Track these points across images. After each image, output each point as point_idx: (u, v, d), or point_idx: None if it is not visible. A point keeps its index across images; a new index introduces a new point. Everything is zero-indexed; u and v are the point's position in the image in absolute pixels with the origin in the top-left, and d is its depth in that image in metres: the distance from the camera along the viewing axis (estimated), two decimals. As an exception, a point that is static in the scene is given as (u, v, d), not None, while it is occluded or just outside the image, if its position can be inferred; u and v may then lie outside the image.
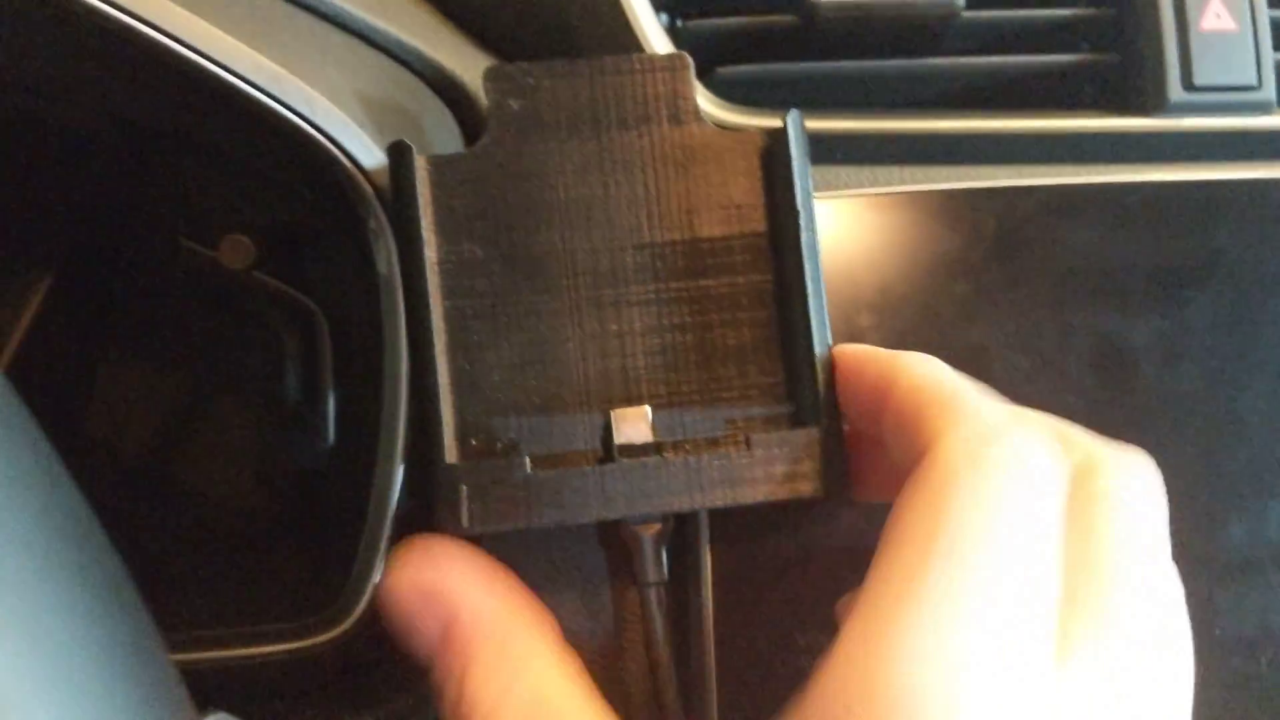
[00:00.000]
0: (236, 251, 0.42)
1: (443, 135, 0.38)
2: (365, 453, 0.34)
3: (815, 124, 0.40)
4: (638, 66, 0.34)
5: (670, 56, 0.35)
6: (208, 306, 0.45)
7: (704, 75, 0.41)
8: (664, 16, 0.41)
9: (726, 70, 0.41)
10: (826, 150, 0.40)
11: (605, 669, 0.36)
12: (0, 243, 0.43)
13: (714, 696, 0.35)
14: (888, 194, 0.38)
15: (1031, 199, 0.38)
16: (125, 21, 0.30)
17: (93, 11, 0.30)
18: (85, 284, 0.44)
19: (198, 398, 0.45)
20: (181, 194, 0.43)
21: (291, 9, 0.37)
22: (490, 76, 0.34)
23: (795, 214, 0.33)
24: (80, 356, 0.46)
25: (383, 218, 0.33)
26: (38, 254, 0.43)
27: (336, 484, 0.43)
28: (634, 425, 0.33)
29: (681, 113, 0.34)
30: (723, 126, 0.37)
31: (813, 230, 0.33)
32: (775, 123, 0.34)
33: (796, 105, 0.35)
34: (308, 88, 0.32)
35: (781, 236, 0.34)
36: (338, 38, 0.38)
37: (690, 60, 0.35)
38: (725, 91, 0.41)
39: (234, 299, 0.44)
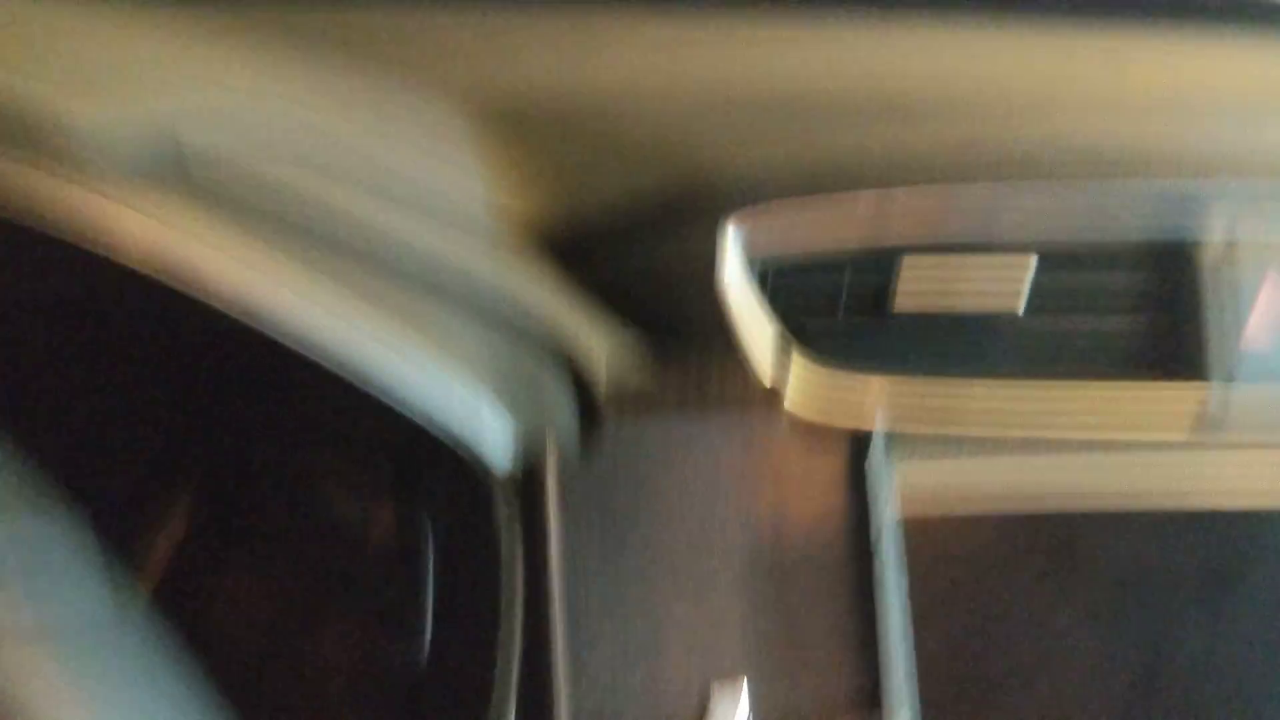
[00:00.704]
0: (362, 475, 0.47)
1: (559, 398, 0.43)
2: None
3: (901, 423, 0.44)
4: (732, 368, 0.39)
5: (759, 364, 0.39)
6: (321, 512, 0.50)
7: (797, 331, 0.45)
8: (763, 277, 0.45)
9: (816, 322, 0.45)
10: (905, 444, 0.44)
11: None
12: (147, 466, 0.49)
13: None
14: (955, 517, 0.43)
15: (1087, 518, 0.42)
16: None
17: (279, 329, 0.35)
18: (219, 499, 0.50)
19: (305, 600, 0.50)
20: (315, 421, 0.48)
21: (422, 293, 0.42)
22: (611, 372, 0.39)
23: (869, 530, 0.38)
24: (209, 561, 0.51)
25: (514, 506, 0.38)
26: (180, 472, 0.49)
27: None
28: (729, 701, 0.37)
29: (772, 413, 0.39)
30: (808, 423, 0.41)
31: (891, 527, 0.38)
32: (856, 392, 0.39)
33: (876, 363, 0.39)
34: (454, 385, 0.36)
35: (859, 545, 0.38)
36: (469, 317, 0.43)
37: (775, 367, 0.39)
38: (814, 343, 0.45)
39: (348, 507, 0.49)
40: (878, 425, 0.38)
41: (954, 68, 0.44)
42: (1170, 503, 0.43)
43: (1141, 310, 0.47)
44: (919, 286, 0.45)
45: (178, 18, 0.42)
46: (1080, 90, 0.44)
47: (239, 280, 0.34)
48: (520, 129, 0.49)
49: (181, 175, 0.35)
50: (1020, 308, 0.44)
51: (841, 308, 0.45)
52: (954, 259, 0.45)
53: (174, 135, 0.35)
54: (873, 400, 0.41)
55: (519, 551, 0.38)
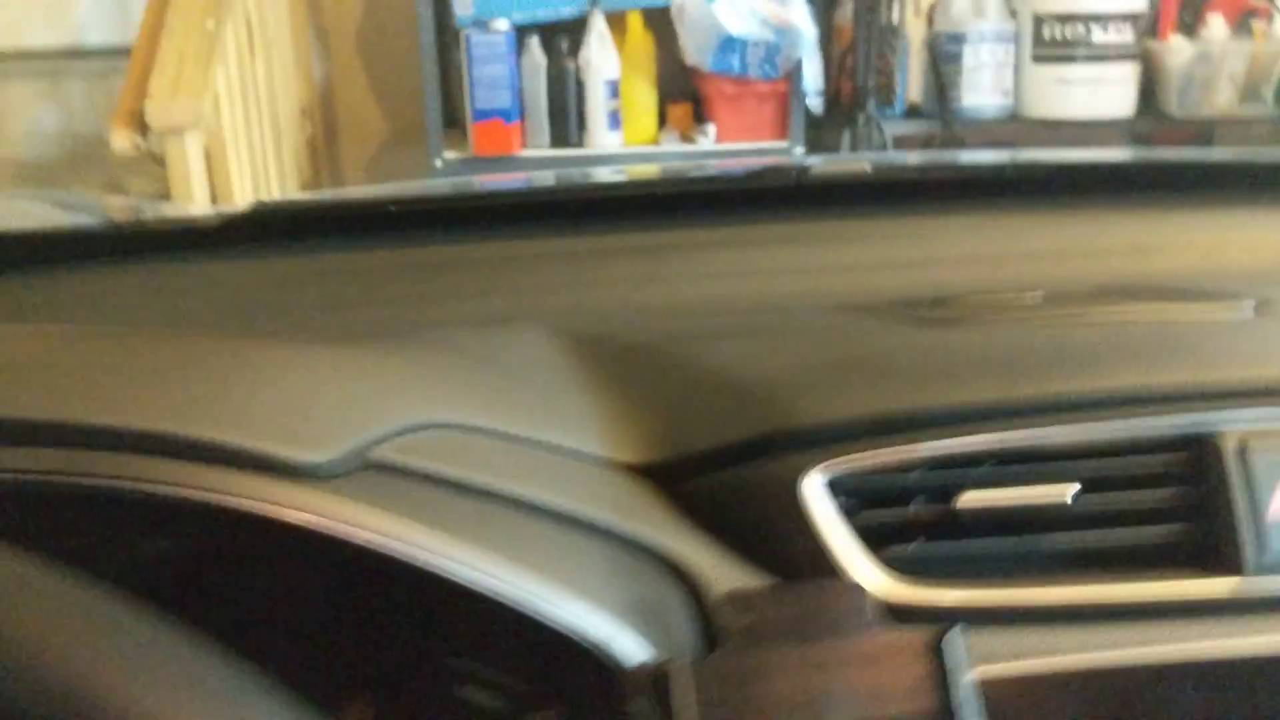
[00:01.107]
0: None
1: (675, 614, 0.51)
2: None
3: (960, 596, 0.52)
4: (828, 590, 0.47)
5: (853, 587, 0.48)
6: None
7: (878, 549, 0.53)
8: (843, 509, 0.54)
9: (894, 550, 0.53)
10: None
11: None
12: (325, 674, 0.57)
13: None
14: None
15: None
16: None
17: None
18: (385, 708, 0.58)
19: None
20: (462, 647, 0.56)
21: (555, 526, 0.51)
22: (726, 603, 0.47)
23: (958, 707, 0.45)
24: None
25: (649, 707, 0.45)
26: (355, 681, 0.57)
27: None
28: None
29: (863, 622, 0.47)
30: (892, 629, 0.49)
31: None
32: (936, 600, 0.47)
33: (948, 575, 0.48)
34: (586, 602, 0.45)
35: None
36: (594, 543, 0.52)
37: (863, 591, 0.47)
38: (893, 564, 0.53)
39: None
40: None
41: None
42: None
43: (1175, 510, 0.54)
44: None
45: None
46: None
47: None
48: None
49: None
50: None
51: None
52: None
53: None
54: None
55: None
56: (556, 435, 0.56)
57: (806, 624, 0.47)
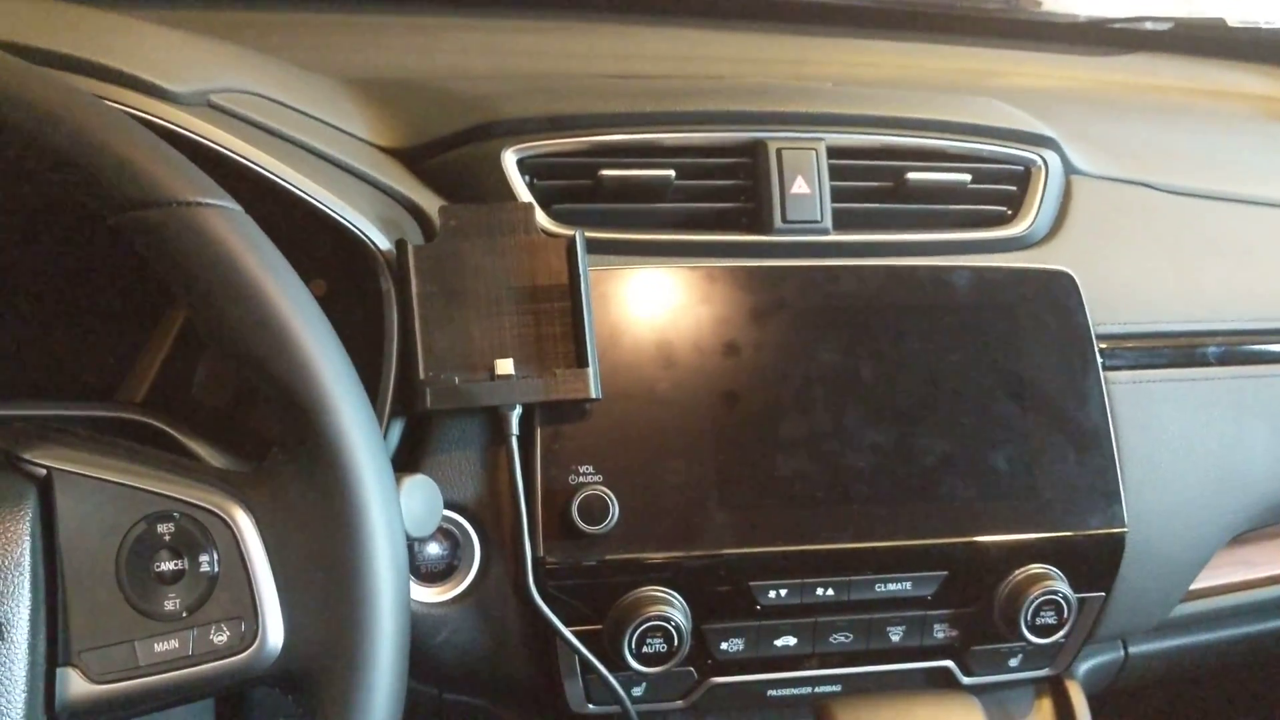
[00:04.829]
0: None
1: (410, 232, 0.78)
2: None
3: (600, 235, 0.81)
4: (509, 207, 0.76)
5: (525, 204, 0.76)
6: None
7: (545, 207, 0.82)
8: (526, 177, 0.82)
9: (559, 206, 0.82)
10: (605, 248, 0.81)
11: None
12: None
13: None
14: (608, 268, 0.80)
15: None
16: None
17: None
18: None
19: None
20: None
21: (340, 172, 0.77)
22: (442, 211, 0.75)
23: (579, 276, 0.74)
24: None
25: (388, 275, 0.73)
26: None
27: None
28: (504, 366, 0.73)
29: (530, 229, 0.76)
30: (548, 234, 0.78)
31: (586, 285, 0.74)
32: (571, 231, 0.76)
33: (596, 226, 0.77)
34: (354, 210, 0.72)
35: (573, 286, 0.75)
36: (363, 185, 0.78)
37: (533, 205, 0.76)
38: (559, 217, 0.82)
39: None
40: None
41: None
42: None
43: None
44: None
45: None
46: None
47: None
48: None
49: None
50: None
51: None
52: None
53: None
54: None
55: (392, 293, 0.73)
56: (334, 119, 0.82)
57: (493, 227, 0.76)
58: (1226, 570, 0.97)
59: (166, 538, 0.52)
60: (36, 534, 0.52)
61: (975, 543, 0.80)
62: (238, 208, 0.54)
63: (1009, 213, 0.90)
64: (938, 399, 0.81)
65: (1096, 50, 1.30)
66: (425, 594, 0.76)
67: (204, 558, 0.52)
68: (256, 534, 0.52)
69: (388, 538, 0.52)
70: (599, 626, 0.76)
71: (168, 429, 0.74)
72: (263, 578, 0.52)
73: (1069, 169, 0.94)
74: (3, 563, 0.50)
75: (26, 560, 0.51)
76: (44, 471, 0.53)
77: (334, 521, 0.52)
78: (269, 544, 0.52)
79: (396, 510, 0.54)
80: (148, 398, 0.82)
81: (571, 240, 0.76)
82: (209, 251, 0.52)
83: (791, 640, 0.80)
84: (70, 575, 0.52)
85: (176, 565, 0.52)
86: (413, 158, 0.84)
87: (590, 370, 0.74)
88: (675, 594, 0.76)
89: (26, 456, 0.53)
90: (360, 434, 0.53)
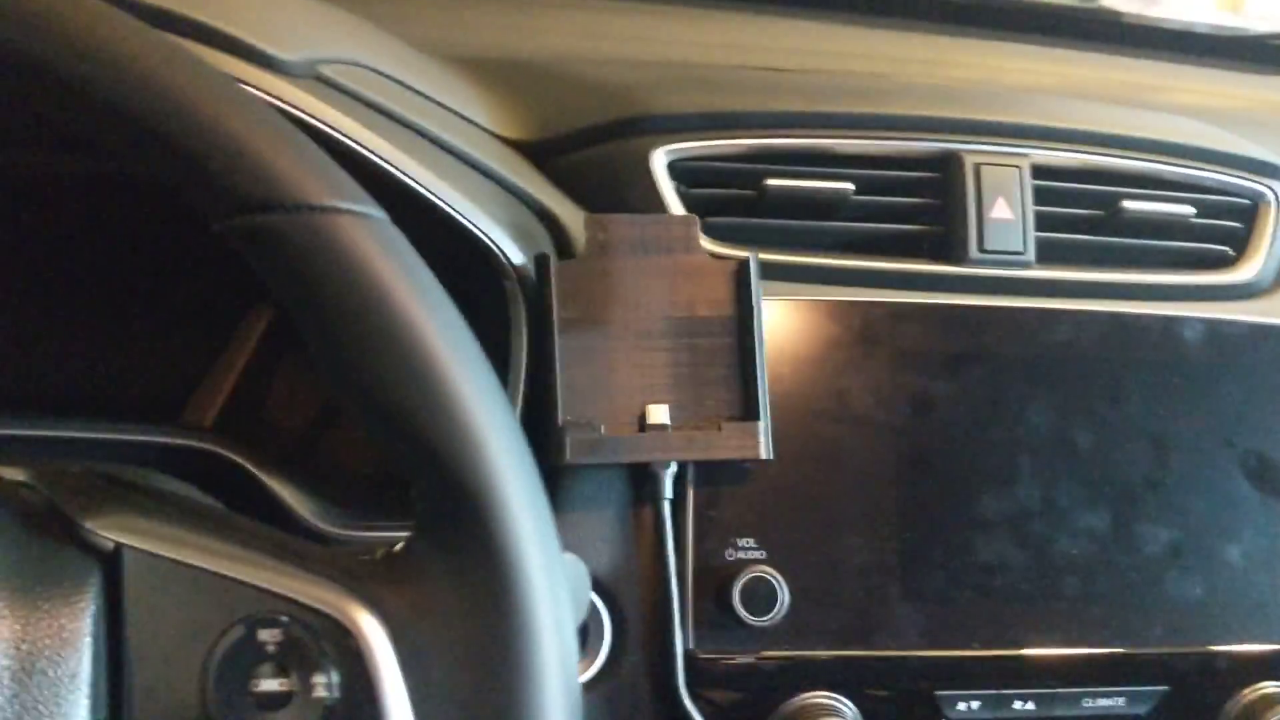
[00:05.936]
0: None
1: (543, 243, 0.65)
2: None
3: (765, 257, 0.67)
4: (666, 219, 0.62)
5: (685, 216, 0.63)
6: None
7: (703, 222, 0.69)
8: (677, 184, 0.69)
9: (715, 220, 0.69)
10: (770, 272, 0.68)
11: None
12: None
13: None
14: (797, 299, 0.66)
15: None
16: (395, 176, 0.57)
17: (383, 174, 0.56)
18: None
19: None
20: None
21: (468, 169, 0.64)
22: (588, 222, 0.62)
23: (751, 310, 0.61)
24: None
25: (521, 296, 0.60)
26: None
27: None
28: (658, 413, 0.60)
29: (692, 247, 0.62)
30: (712, 255, 0.65)
31: (759, 321, 0.61)
32: (743, 254, 0.62)
33: (757, 245, 0.63)
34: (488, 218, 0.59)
35: (742, 321, 0.61)
36: (486, 181, 0.65)
37: (696, 219, 0.63)
38: (714, 232, 0.68)
39: None
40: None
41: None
42: None
43: None
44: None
45: None
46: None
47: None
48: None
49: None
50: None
51: None
52: None
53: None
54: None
55: (522, 318, 0.60)
56: (453, 103, 0.69)
57: (647, 243, 0.62)
58: None
59: (271, 649, 0.39)
60: (100, 635, 0.39)
61: (1203, 652, 0.66)
62: (383, 215, 0.40)
63: (1232, 254, 0.76)
64: (1164, 476, 0.67)
65: (1266, 69, 1.16)
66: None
67: (319, 679, 0.39)
68: (391, 649, 0.39)
69: (561, 675, 0.39)
70: (753, 736, 0.63)
71: (246, 463, 0.61)
72: (395, 710, 0.39)
73: (1298, 205, 0.79)
74: (55, 672, 0.37)
75: (86, 670, 0.38)
76: (111, 545, 0.40)
77: (497, 644, 0.38)
78: (405, 664, 0.39)
79: (573, 635, 0.40)
80: (218, 422, 0.69)
81: (744, 264, 0.62)
82: (347, 271, 0.38)
83: (979, 759, 0.66)
84: (141, 693, 0.38)
85: (283, 686, 0.39)
86: (539, 153, 0.71)
87: (761, 424, 0.61)
88: (846, 701, 0.63)
89: (89, 526, 0.40)
90: (535, 528, 0.39)
